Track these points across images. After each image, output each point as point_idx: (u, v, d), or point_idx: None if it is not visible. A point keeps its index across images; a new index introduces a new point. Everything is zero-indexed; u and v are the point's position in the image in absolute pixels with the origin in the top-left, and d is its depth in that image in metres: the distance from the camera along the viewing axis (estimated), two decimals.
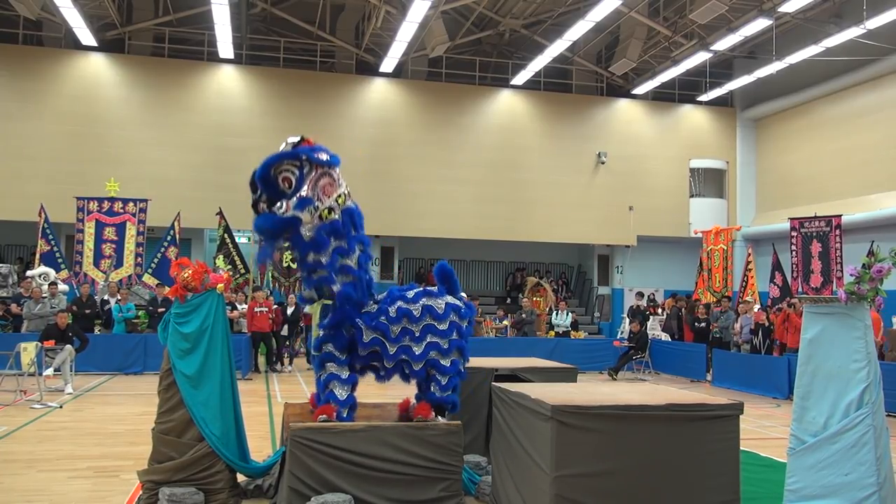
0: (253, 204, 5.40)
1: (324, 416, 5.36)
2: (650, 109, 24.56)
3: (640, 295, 19.80)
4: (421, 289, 5.85)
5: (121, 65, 21.02)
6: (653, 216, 23.79)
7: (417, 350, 5.59)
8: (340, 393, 5.44)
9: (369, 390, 6.22)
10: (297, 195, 5.34)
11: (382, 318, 5.55)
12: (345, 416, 5.43)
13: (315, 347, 5.60)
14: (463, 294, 6.19)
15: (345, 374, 5.47)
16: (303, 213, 5.31)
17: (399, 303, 5.63)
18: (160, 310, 14.73)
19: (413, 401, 5.89)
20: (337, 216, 5.45)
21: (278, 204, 5.36)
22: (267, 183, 5.30)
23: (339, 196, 5.49)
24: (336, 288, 5.41)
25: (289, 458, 5.19)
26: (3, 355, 11.13)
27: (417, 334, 5.58)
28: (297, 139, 5.54)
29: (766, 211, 24.30)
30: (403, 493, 5.28)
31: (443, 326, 5.65)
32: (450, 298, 5.80)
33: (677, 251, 24.69)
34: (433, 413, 5.63)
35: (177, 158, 20.71)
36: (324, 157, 5.44)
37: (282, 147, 5.49)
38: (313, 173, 5.40)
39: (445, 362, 5.63)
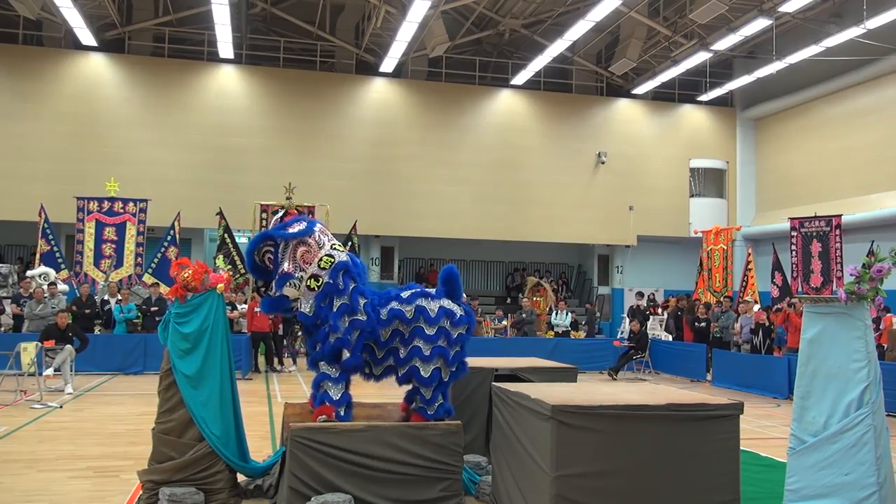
0: (255, 289, 5.76)
1: (323, 416, 5.37)
2: (650, 109, 24.56)
3: (640, 295, 19.80)
4: (419, 289, 5.78)
5: (121, 65, 21.02)
6: (653, 216, 23.78)
7: (403, 353, 5.53)
8: (334, 392, 5.44)
9: (369, 390, 6.22)
10: (278, 273, 5.46)
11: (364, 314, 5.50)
12: (342, 414, 5.44)
13: (309, 347, 5.63)
14: (468, 300, 6.15)
15: (335, 373, 5.46)
16: (286, 290, 5.42)
17: (393, 303, 5.56)
18: (153, 309, 14.76)
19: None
20: (327, 278, 5.42)
21: (270, 287, 5.58)
22: (257, 269, 5.65)
23: (322, 259, 5.45)
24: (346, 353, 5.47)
25: (289, 458, 5.19)
26: (3, 355, 11.14)
27: (406, 336, 5.53)
28: (281, 213, 5.94)
29: (766, 211, 24.30)
30: (403, 493, 5.28)
31: (430, 331, 5.51)
32: (445, 302, 5.62)
33: (677, 251, 24.70)
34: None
35: (177, 158, 20.71)
36: (293, 229, 5.53)
37: (272, 220, 5.83)
38: (290, 247, 5.48)
39: (425, 372, 5.49)
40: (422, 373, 5.49)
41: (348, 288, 5.43)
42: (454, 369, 5.66)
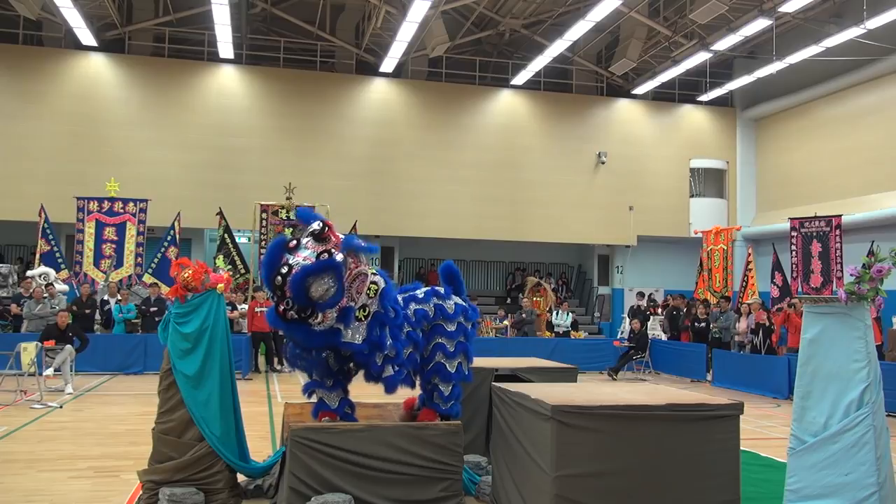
0: (281, 312, 4.81)
1: (327, 417, 5.37)
2: (650, 109, 24.56)
3: (641, 295, 19.80)
4: (428, 288, 5.81)
5: (121, 65, 21.01)
6: (653, 216, 23.78)
7: (426, 352, 5.56)
8: (331, 401, 5.42)
9: (369, 390, 6.20)
10: (340, 305, 4.87)
11: (408, 327, 5.40)
12: (348, 412, 5.46)
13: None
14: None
15: (329, 383, 5.42)
16: (347, 328, 4.95)
17: (413, 304, 5.56)
18: (152, 309, 14.76)
19: (418, 400, 5.89)
20: (377, 307, 5.11)
21: (316, 315, 4.80)
22: (300, 294, 4.72)
23: (370, 288, 5.09)
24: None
25: (289, 458, 5.19)
26: (3, 355, 11.14)
27: (427, 334, 5.57)
28: (318, 227, 4.90)
29: (766, 211, 24.30)
30: (403, 493, 5.28)
31: (451, 328, 5.59)
32: (458, 300, 5.77)
33: (677, 251, 24.68)
34: (438, 419, 5.63)
35: (177, 158, 20.71)
36: (363, 245, 5.08)
37: (307, 233, 4.91)
38: (347, 275, 4.93)
39: (451, 367, 5.58)
40: (448, 368, 5.55)
41: (400, 313, 5.28)
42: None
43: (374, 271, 5.27)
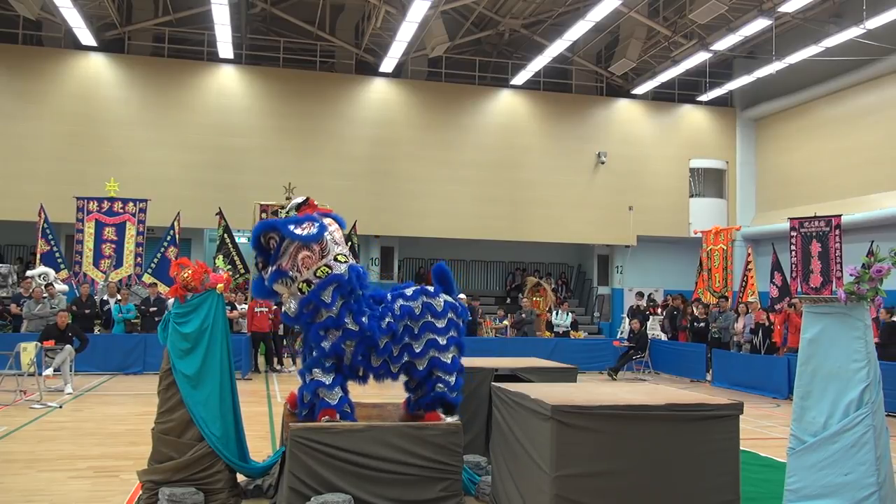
0: (255, 263, 5.73)
1: (326, 417, 5.37)
2: (650, 109, 24.56)
3: (641, 295, 19.80)
4: (418, 287, 5.88)
5: (121, 65, 21.01)
6: (653, 216, 23.78)
7: (418, 347, 5.60)
8: (331, 398, 5.43)
9: (369, 390, 6.21)
10: (275, 266, 5.42)
11: (389, 317, 5.54)
12: (348, 411, 5.47)
13: (304, 362, 5.66)
14: (462, 296, 6.23)
15: (329, 380, 5.44)
16: (277, 286, 5.45)
17: (400, 301, 5.66)
18: (152, 309, 14.76)
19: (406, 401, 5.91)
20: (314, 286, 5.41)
21: (267, 269, 5.54)
22: (260, 249, 5.53)
23: (319, 268, 5.39)
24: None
25: (289, 458, 5.19)
26: (3, 355, 11.14)
27: (416, 331, 5.61)
28: (301, 200, 5.78)
29: (765, 211, 24.30)
30: (403, 493, 5.28)
31: (441, 323, 5.67)
32: (447, 297, 5.84)
33: (677, 251, 24.69)
34: (444, 418, 5.64)
35: (177, 158, 20.71)
36: (303, 230, 5.39)
37: (289, 206, 5.83)
38: (293, 245, 5.39)
39: (446, 359, 5.65)
40: (443, 360, 5.62)
41: (335, 303, 5.37)
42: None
43: (345, 260, 5.50)
